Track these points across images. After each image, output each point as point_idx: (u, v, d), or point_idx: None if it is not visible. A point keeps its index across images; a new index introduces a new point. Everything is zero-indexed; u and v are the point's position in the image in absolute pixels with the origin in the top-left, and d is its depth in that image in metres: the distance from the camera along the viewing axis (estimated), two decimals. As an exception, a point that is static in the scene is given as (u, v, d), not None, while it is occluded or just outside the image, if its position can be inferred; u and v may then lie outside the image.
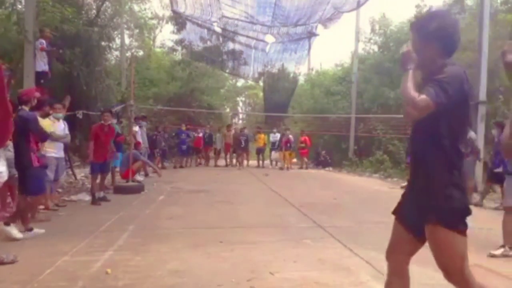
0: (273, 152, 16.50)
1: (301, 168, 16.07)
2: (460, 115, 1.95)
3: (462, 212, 1.98)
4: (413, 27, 2.06)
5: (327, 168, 16.32)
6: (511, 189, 4.48)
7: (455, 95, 1.84)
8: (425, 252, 4.23)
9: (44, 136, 4.97)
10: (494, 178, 7.51)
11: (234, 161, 16.04)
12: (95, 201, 6.81)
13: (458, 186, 1.93)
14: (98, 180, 7.13)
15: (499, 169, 7.25)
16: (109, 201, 7.04)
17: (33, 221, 4.91)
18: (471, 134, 8.19)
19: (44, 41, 8.15)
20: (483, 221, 6.20)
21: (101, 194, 7.20)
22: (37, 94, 5.21)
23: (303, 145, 16.03)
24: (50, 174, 6.12)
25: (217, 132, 16.88)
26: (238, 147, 15.73)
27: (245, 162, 15.91)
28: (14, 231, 4.45)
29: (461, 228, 1.97)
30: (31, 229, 4.63)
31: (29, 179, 4.51)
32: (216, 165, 15.79)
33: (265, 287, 3.16)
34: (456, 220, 1.95)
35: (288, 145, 15.50)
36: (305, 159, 16.38)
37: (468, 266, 2.03)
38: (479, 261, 3.87)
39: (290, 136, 15.69)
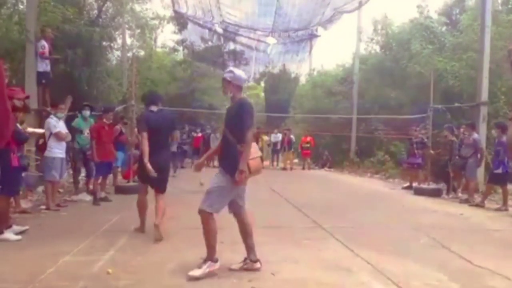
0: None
1: (303, 168, 16.06)
2: None
3: None
4: None
5: (327, 169, 16.32)
6: (216, 195, 3.39)
7: None
8: (426, 252, 4.22)
9: (24, 137, 4.84)
10: (494, 179, 7.49)
11: None
12: (96, 201, 6.81)
13: None
14: (99, 180, 7.14)
15: (499, 170, 7.25)
16: (111, 201, 7.04)
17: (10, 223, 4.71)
18: (475, 135, 8.15)
19: (45, 44, 8.14)
20: (486, 222, 6.19)
21: (102, 194, 7.20)
22: (22, 95, 5.14)
23: (307, 145, 16.02)
24: (56, 174, 6.15)
25: (216, 132, 16.70)
26: None
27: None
28: (7, 235, 4.40)
29: None
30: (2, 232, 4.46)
31: (6, 180, 4.41)
32: (214, 166, 15.72)
33: (266, 287, 3.16)
34: None
35: (289, 145, 15.52)
36: (308, 160, 16.38)
37: None
38: (484, 261, 3.86)
39: (292, 136, 15.71)
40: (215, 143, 15.64)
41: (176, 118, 5.62)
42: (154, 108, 4.73)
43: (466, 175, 8.19)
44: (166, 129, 4.73)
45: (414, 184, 9.61)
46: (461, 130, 8.89)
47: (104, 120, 7.28)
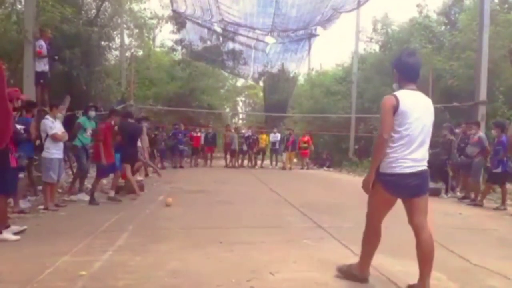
0: (284, 154, 16.20)
1: (302, 168, 16.08)
2: None
3: None
4: None
5: (326, 168, 16.33)
6: None
7: None
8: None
9: (22, 137, 4.89)
10: (493, 178, 7.49)
11: (246, 161, 16.03)
12: (93, 201, 6.78)
13: None
14: (103, 181, 7.16)
15: (498, 170, 7.26)
16: (121, 201, 7.06)
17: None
18: (481, 134, 8.11)
19: (43, 44, 8.12)
20: (484, 222, 6.20)
21: (112, 193, 7.19)
22: (23, 97, 5.12)
23: (305, 145, 16.04)
24: (54, 175, 6.14)
25: (239, 132, 16.27)
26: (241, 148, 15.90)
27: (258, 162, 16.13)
28: (5, 236, 4.38)
29: None
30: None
31: (4, 180, 4.40)
32: (236, 166, 15.47)
33: (265, 287, 3.16)
34: None
35: (293, 145, 15.57)
36: (306, 159, 16.39)
37: None
38: (482, 261, 3.86)
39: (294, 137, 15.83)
40: (235, 142, 15.54)
41: (141, 127, 8.45)
42: (131, 120, 7.53)
43: (471, 175, 8.06)
44: (135, 134, 7.61)
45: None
46: (460, 129, 8.89)
47: (113, 122, 7.26)
